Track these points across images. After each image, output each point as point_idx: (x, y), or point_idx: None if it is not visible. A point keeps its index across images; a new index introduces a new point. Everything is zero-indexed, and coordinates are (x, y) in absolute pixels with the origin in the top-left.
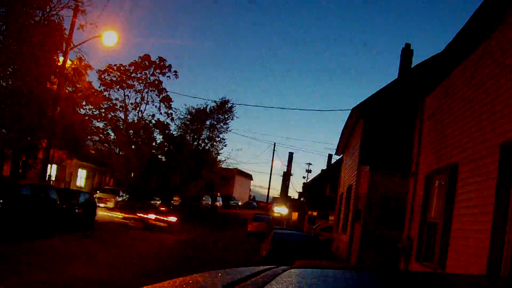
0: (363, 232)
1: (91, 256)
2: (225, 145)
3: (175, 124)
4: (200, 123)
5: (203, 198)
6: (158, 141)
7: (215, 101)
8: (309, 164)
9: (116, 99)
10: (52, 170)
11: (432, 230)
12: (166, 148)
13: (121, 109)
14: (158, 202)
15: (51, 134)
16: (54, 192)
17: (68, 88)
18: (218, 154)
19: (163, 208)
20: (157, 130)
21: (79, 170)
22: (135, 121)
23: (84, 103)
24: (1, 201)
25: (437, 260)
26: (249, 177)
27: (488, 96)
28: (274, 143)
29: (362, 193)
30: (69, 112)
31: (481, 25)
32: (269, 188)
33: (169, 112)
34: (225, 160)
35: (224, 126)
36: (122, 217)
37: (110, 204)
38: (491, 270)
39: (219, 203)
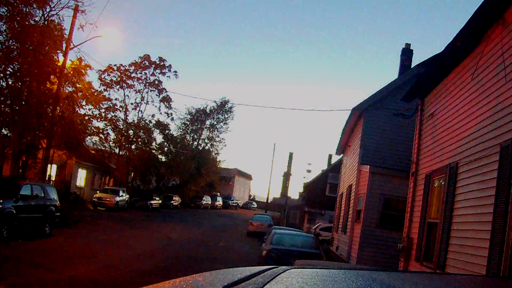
0: (363, 232)
1: (91, 255)
2: (225, 145)
3: (175, 124)
4: (200, 123)
5: (203, 198)
6: (158, 141)
7: (215, 101)
8: (309, 164)
9: (116, 99)
10: (52, 170)
11: (432, 230)
12: (166, 148)
13: (121, 109)
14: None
15: (51, 134)
16: (54, 192)
17: (68, 88)
18: (218, 154)
19: None
20: (157, 130)
21: (79, 170)
22: (135, 121)
23: (84, 103)
24: (1, 200)
25: (437, 260)
26: (249, 177)
27: (488, 96)
28: (274, 143)
29: (362, 193)
30: (69, 112)
31: (481, 24)
32: (269, 188)
33: (169, 112)
34: (225, 160)
35: (224, 126)
36: None
37: (110, 204)
38: (491, 270)
39: (219, 203)
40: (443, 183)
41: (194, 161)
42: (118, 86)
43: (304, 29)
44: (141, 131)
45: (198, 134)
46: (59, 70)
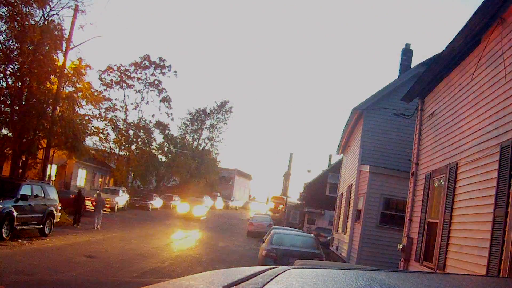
0: (363, 232)
1: (91, 255)
2: (225, 145)
3: (175, 124)
4: (200, 123)
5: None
6: (158, 141)
7: (215, 101)
8: (309, 164)
9: (116, 99)
10: (52, 170)
11: (432, 230)
12: (166, 148)
13: (121, 109)
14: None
15: (51, 134)
16: (54, 192)
17: (68, 88)
18: (218, 154)
19: None
20: (157, 130)
21: (79, 170)
22: (135, 121)
23: (84, 103)
24: (1, 200)
25: (437, 260)
26: (248, 177)
27: (488, 96)
28: (274, 144)
29: (362, 193)
30: (69, 112)
31: (481, 24)
32: (269, 189)
33: (169, 112)
34: (225, 160)
35: (224, 126)
36: None
37: (110, 204)
38: (491, 270)
39: (219, 203)
40: (443, 183)
41: (194, 161)
42: (118, 86)
43: (304, 29)
44: (141, 131)
45: (198, 134)
46: (59, 70)
